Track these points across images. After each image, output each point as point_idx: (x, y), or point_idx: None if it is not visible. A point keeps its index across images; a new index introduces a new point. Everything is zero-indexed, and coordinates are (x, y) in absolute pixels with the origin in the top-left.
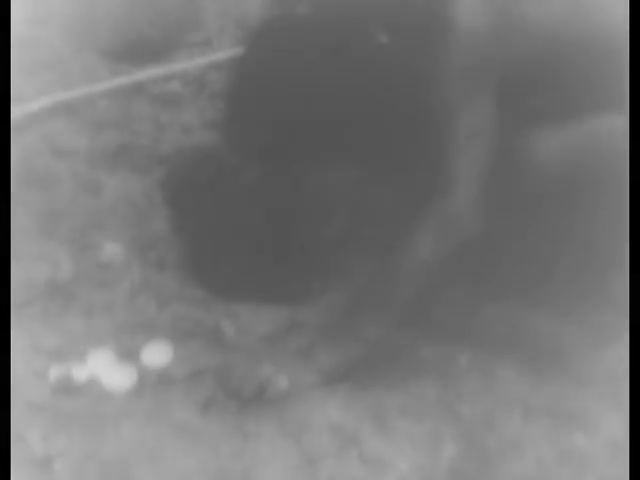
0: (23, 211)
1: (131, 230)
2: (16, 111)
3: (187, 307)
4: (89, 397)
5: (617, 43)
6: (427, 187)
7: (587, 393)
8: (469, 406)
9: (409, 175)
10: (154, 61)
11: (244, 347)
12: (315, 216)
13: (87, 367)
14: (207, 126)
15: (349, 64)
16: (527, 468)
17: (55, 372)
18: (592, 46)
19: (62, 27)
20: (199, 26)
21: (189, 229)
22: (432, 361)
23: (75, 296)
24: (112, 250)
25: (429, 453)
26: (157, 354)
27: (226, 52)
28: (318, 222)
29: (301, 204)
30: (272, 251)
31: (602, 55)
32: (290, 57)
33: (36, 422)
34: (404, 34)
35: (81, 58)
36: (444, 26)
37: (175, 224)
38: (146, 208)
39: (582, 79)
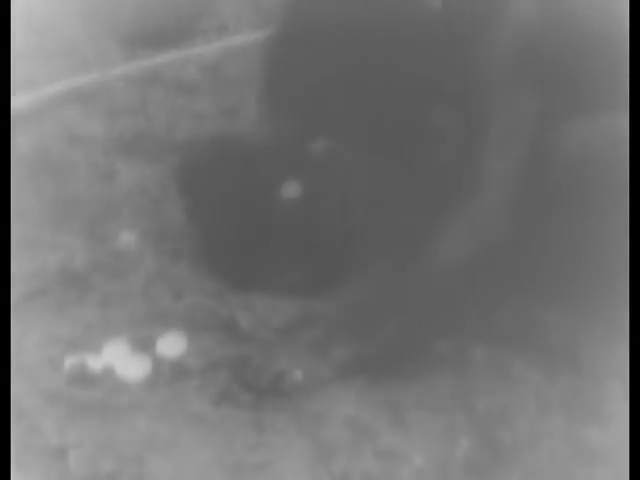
0: (37, 198)
1: (146, 219)
2: (30, 97)
3: (202, 298)
4: (104, 387)
5: None
6: (456, 184)
7: (601, 388)
8: (483, 400)
9: (437, 168)
10: (170, 47)
11: (259, 339)
12: (334, 208)
13: (102, 357)
14: (223, 113)
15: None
16: (541, 462)
17: (70, 362)
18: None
19: (77, 13)
20: (215, 11)
21: (204, 219)
22: (447, 355)
23: (89, 285)
24: (127, 239)
25: (444, 447)
26: (172, 345)
27: (243, 37)
28: (337, 214)
29: (320, 195)
30: (289, 242)
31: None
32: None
33: (51, 412)
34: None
35: (96, 44)
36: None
37: (190, 214)
38: (161, 197)
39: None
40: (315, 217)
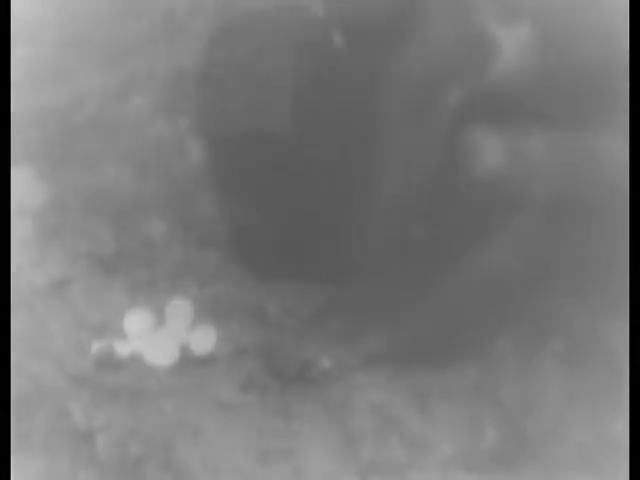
0: (68, 188)
1: (175, 209)
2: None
3: (230, 286)
4: (131, 372)
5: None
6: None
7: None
8: (509, 390)
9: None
10: None
11: (287, 327)
12: (365, 199)
13: (130, 343)
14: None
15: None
16: (567, 453)
17: (98, 347)
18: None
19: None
20: None
21: (232, 209)
22: (474, 345)
23: (118, 272)
24: (155, 228)
25: (470, 436)
26: (200, 332)
27: None
28: (368, 205)
29: (348, 188)
30: (317, 231)
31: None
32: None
33: (79, 396)
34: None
35: None
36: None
37: (219, 204)
38: (190, 187)
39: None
40: (345, 208)
